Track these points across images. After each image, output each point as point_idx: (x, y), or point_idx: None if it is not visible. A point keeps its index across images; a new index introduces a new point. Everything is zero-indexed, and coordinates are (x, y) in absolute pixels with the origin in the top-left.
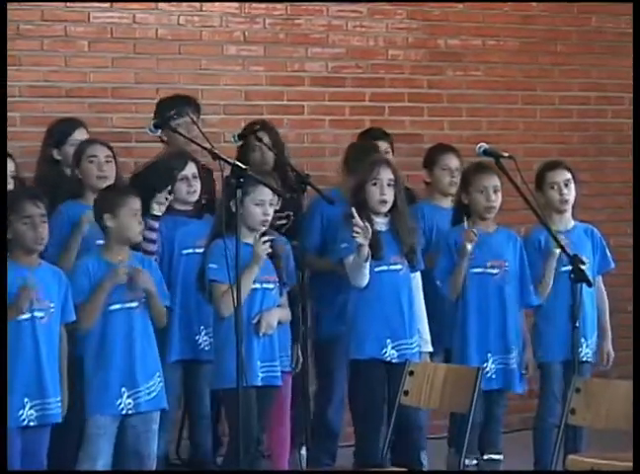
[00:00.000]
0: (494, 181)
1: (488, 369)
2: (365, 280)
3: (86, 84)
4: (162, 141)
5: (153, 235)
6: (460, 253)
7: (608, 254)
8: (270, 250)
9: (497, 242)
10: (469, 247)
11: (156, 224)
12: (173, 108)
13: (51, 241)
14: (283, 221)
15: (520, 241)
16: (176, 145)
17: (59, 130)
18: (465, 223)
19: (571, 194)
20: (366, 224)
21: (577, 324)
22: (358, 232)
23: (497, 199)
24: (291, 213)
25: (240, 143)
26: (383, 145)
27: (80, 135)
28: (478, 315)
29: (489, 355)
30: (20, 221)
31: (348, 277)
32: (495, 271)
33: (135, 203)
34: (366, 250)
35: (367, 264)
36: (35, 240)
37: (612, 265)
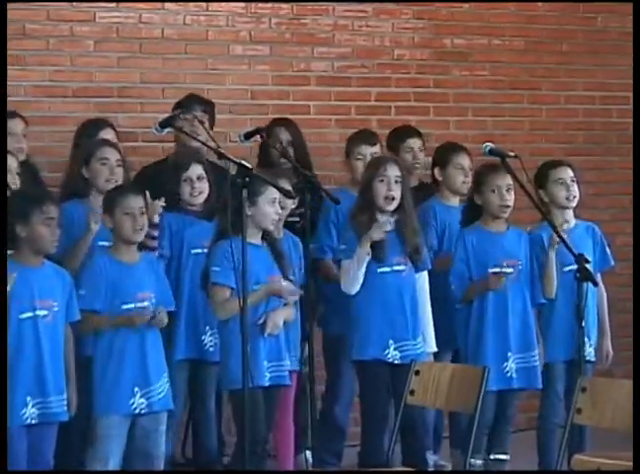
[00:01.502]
0: (507, 180)
1: (508, 369)
2: (357, 287)
3: (92, 84)
4: (175, 141)
5: (154, 232)
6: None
7: (608, 252)
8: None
9: (510, 241)
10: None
11: (156, 219)
12: (185, 107)
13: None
14: (296, 219)
15: (528, 239)
16: (183, 144)
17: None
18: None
19: (576, 191)
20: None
21: (582, 324)
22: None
23: (510, 199)
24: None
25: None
26: (417, 143)
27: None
28: (496, 315)
29: (509, 354)
30: (42, 222)
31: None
32: (510, 270)
33: (131, 202)
34: (368, 247)
35: (365, 263)
36: (51, 242)
37: (612, 263)
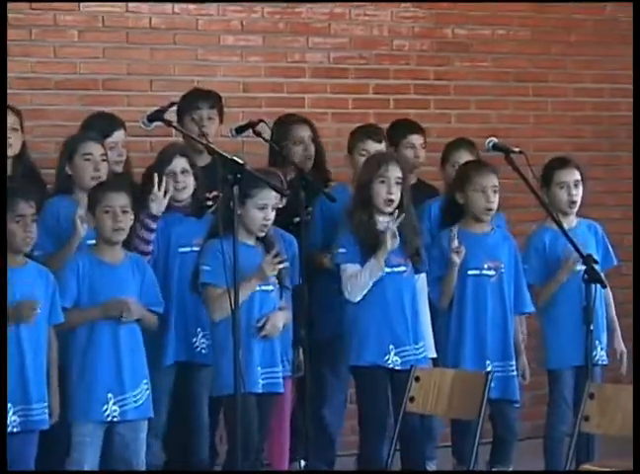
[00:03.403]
0: (494, 181)
1: None
2: (360, 295)
3: (76, 75)
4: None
5: (150, 236)
6: (448, 265)
7: (611, 250)
8: (276, 272)
9: (492, 243)
10: (457, 260)
11: (153, 224)
12: (191, 102)
13: (39, 238)
14: (297, 218)
15: (514, 243)
16: (188, 139)
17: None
18: (452, 232)
19: (579, 195)
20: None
21: (591, 327)
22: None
23: (496, 201)
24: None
25: (238, 136)
26: (419, 140)
27: (120, 136)
28: (475, 319)
29: (487, 362)
30: (12, 220)
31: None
32: (491, 272)
33: (111, 200)
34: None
35: (377, 276)
36: (24, 240)
37: (615, 261)
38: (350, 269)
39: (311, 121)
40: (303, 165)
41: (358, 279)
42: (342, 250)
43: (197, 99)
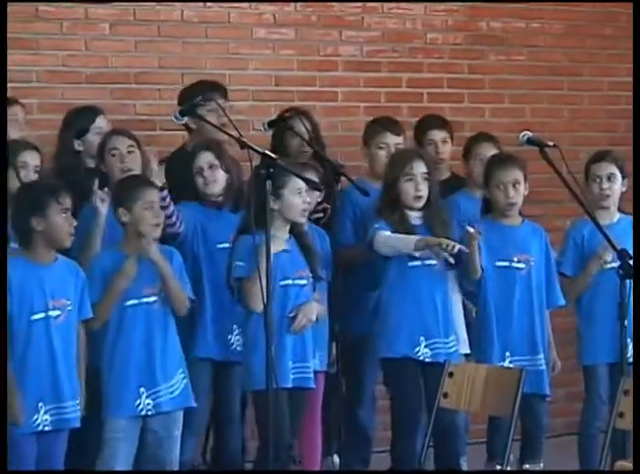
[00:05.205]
0: (513, 175)
1: None
2: (383, 251)
3: (107, 69)
4: (187, 129)
5: (167, 210)
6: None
7: None
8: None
9: (523, 235)
10: (466, 250)
11: (164, 193)
12: (199, 94)
13: (79, 236)
14: (320, 214)
15: (545, 236)
16: (202, 133)
17: (80, 120)
18: (468, 227)
19: (613, 188)
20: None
21: (625, 323)
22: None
23: (517, 195)
24: (328, 206)
25: (271, 130)
26: (439, 135)
27: (102, 123)
28: (501, 311)
29: (507, 354)
30: (58, 213)
31: (379, 272)
32: (521, 265)
33: (150, 195)
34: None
35: (403, 252)
36: (69, 234)
37: None
38: (385, 232)
39: (311, 116)
40: (295, 161)
41: (389, 239)
42: (377, 225)
43: (209, 91)
